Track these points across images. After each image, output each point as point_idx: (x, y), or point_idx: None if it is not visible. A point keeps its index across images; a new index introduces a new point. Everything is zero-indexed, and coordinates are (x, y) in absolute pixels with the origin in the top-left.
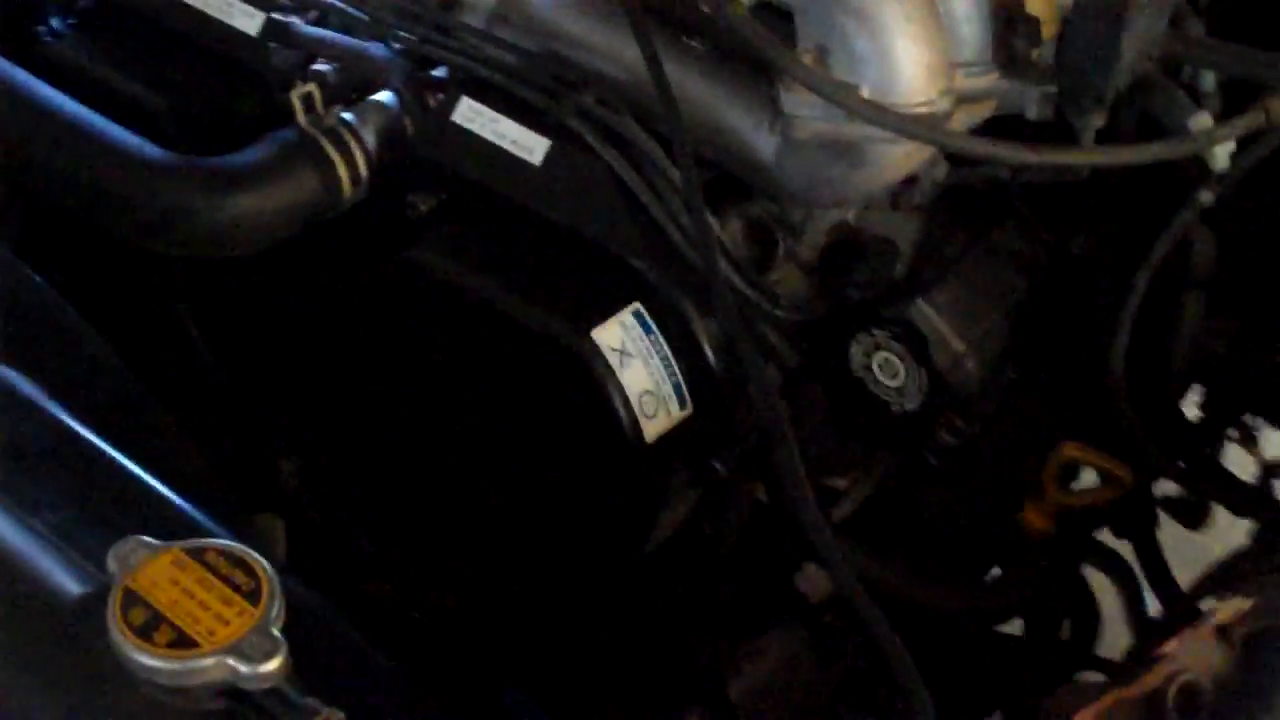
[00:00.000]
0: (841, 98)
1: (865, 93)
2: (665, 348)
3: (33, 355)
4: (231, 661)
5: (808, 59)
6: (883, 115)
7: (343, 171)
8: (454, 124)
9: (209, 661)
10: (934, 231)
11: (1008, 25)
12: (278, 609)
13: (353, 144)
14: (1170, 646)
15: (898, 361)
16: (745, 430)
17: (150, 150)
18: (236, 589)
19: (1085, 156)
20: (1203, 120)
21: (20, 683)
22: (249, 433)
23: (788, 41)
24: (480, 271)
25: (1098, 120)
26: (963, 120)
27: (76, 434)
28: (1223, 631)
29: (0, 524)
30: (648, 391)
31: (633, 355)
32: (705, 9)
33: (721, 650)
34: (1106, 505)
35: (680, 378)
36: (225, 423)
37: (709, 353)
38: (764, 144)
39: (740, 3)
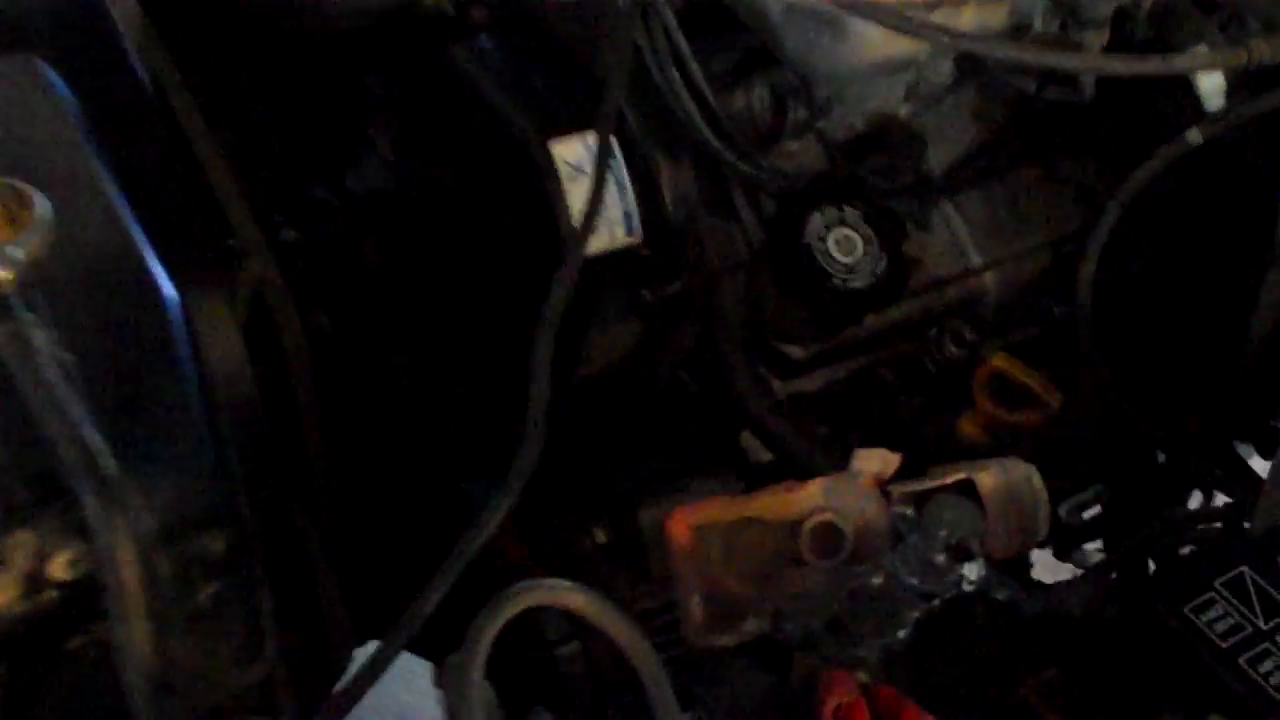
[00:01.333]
0: None
1: None
2: (624, 175)
3: (71, 58)
4: None
5: None
6: None
7: None
8: None
9: None
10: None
11: None
12: (28, 239)
13: None
14: (813, 485)
15: (858, 240)
16: (689, 272)
17: None
18: (11, 217)
19: (1046, 57)
20: (1198, 50)
21: None
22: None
23: None
24: (493, 75)
25: (1096, 38)
26: (976, 21)
27: (73, 131)
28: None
29: None
30: None
31: (588, 173)
32: None
33: (638, 478)
34: (1032, 426)
35: (633, 207)
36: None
37: (665, 194)
38: (773, 7)
39: None
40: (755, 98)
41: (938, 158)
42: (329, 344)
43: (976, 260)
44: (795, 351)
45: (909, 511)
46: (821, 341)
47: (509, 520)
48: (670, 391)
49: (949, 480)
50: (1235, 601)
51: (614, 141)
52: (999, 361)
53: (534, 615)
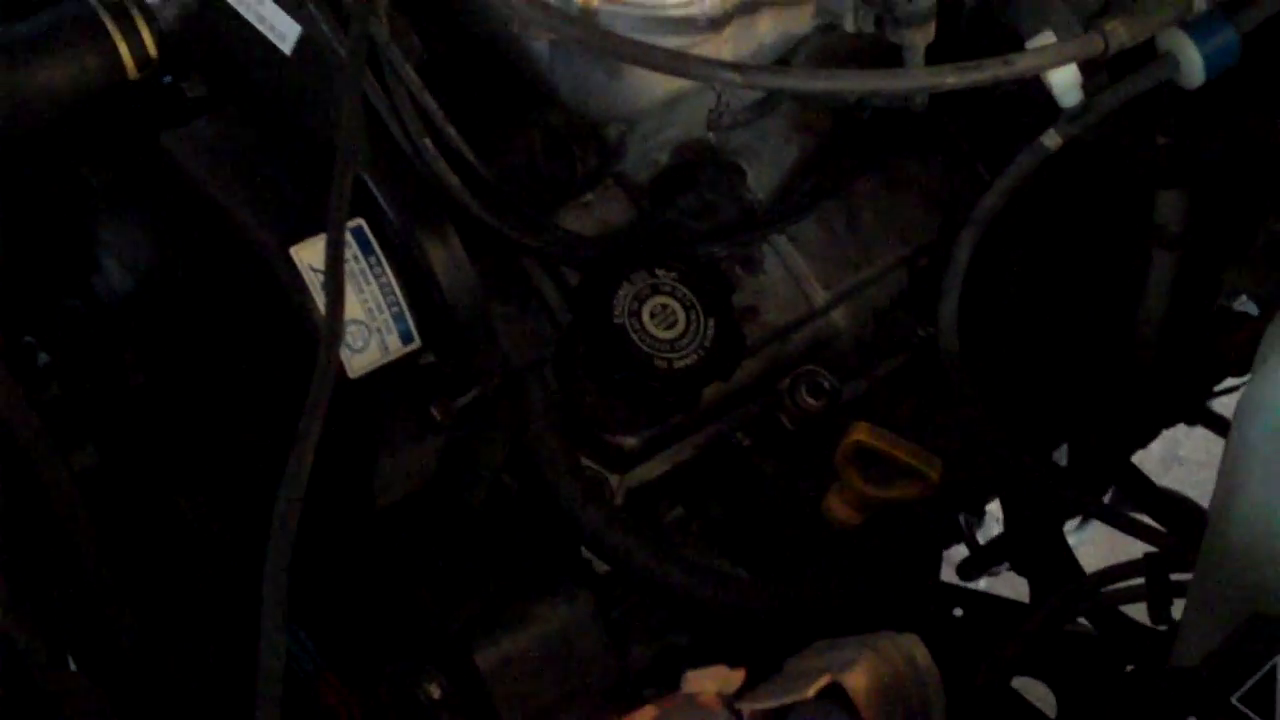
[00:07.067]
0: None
1: None
2: (388, 273)
3: None
4: None
5: None
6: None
7: (124, 49)
8: (224, 1)
9: None
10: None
11: None
12: None
13: (139, 21)
14: (643, 714)
15: (678, 309)
16: (486, 376)
17: None
18: None
19: (859, 83)
20: (1044, 39)
21: None
22: None
23: None
24: (215, 168)
25: (919, 37)
26: (775, 31)
27: None
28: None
29: None
30: (356, 320)
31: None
32: None
33: (468, 613)
34: (910, 502)
35: (404, 308)
36: None
37: (441, 284)
38: (538, 44)
39: None
40: (536, 146)
41: (759, 183)
42: (101, 484)
43: (822, 297)
44: (628, 441)
45: None
46: (656, 426)
47: (334, 678)
48: (492, 502)
49: (811, 691)
50: None
51: (366, 231)
52: (862, 436)
53: None
